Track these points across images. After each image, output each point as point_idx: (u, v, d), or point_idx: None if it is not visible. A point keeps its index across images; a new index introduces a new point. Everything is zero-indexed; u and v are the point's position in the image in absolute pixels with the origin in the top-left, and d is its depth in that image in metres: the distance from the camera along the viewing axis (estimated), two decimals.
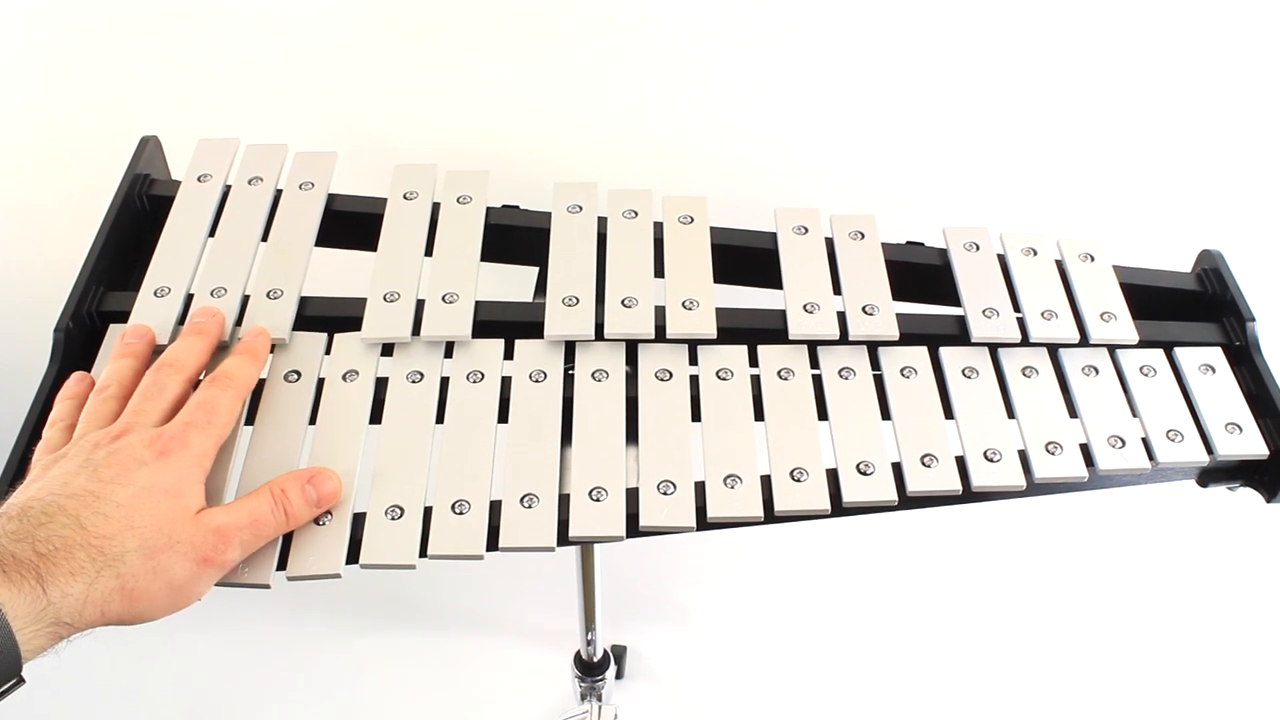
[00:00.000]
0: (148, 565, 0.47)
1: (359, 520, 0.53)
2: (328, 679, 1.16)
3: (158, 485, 0.48)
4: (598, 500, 0.54)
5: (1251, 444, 0.59)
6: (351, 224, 0.68)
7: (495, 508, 0.54)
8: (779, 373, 0.60)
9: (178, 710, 1.13)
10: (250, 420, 0.58)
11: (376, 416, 0.58)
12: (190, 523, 0.49)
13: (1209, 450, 0.59)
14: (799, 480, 0.55)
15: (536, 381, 0.59)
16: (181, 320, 0.60)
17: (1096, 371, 0.62)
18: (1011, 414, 0.60)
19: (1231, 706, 1.14)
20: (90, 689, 1.12)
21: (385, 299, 0.62)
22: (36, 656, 0.44)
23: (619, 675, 1.12)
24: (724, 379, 0.60)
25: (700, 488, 0.55)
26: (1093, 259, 0.67)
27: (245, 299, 0.62)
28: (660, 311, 0.62)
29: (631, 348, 0.61)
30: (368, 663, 1.17)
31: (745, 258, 0.68)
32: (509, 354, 0.61)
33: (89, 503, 0.46)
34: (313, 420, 0.58)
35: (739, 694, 1.15)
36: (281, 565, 0.52)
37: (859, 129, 0.92)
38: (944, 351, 0.62)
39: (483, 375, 0.60)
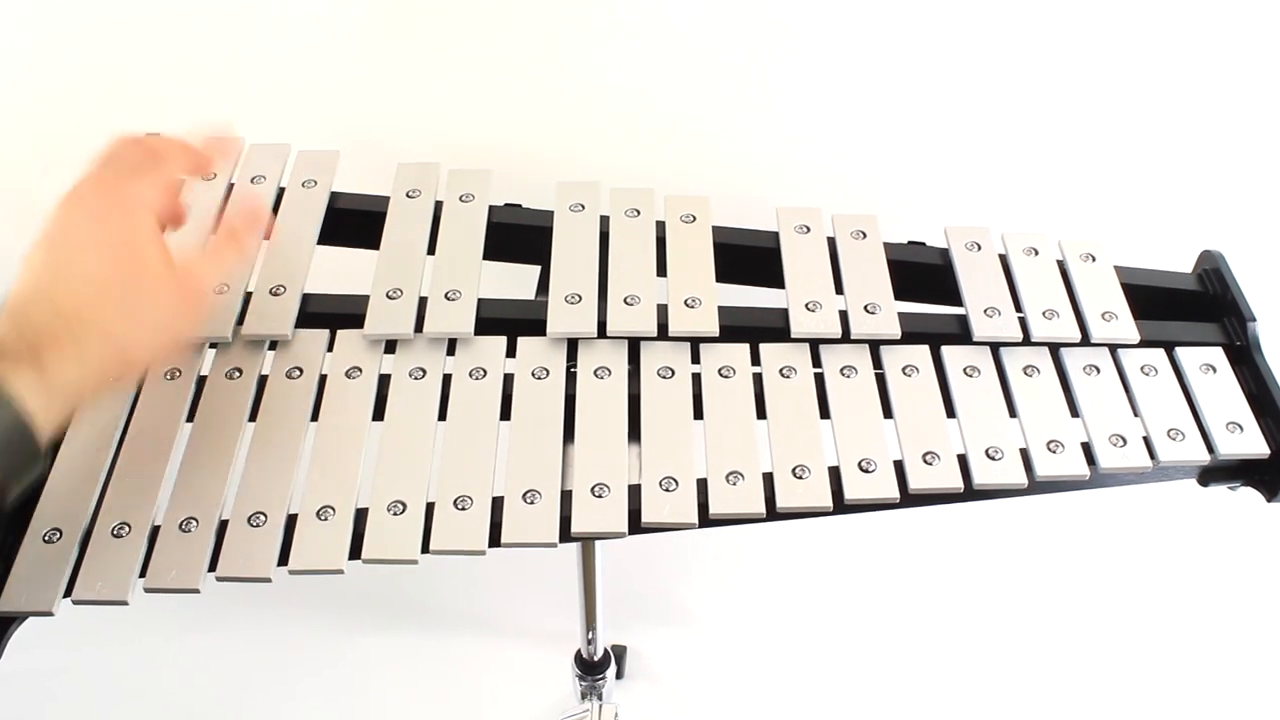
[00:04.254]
0: (126, 320, 0.49)
1: (361, 515, 0.54)
2: (328, 679, 1.16)
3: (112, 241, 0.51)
4: (600, 496, 0.54)
5: (1252, 443, 0.59)
6: (354, 222, 0.68)
7: (498, 504, 0.54)
8: (781, 371, 0.61)
9: (178, 710, 1.13)
10: (253, 417, 0.58)
11: (379, 413, 0.58)
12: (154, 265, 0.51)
13: (1210, 449, 0.59)
14: (801, 477, 0.56)
15: (539, 379, 0.60)
16: None
17: (1098, 371, 0.62)
18: (1013, 412, 0.60)
19: (1231, 706, 1.14)
20: (90, 688, 1.12)
21: (388, 296, 0.62)
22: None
23: (619, 675, 1.12)
24: (726, 377, 0.60)
25: (702, 484, 0.55)
26: (1094, 259, 0.67)
27: (248, 296, 0.62)
28: (662, 310, 0.62)
29: (634, 345, 0.61)
30: (368, 663, 1.17)
31: (747, 256, 0.68)
32: (511, 351, 0.61)
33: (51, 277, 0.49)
34: (315, 417, 0.58)
35: (739, 694, 1.14)
36: (283, 560, 0.52)
37: (861, 128, 0.92)
38: (946, 350, 0.62)
39: (485, 372, 0.60)
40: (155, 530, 0.53)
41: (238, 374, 0.59)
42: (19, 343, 0.46)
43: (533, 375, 0.60)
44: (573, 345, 0.61)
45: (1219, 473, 0.62)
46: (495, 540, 0.53)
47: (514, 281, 0.70)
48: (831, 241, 0.67)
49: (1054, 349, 0.63)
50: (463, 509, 0.54)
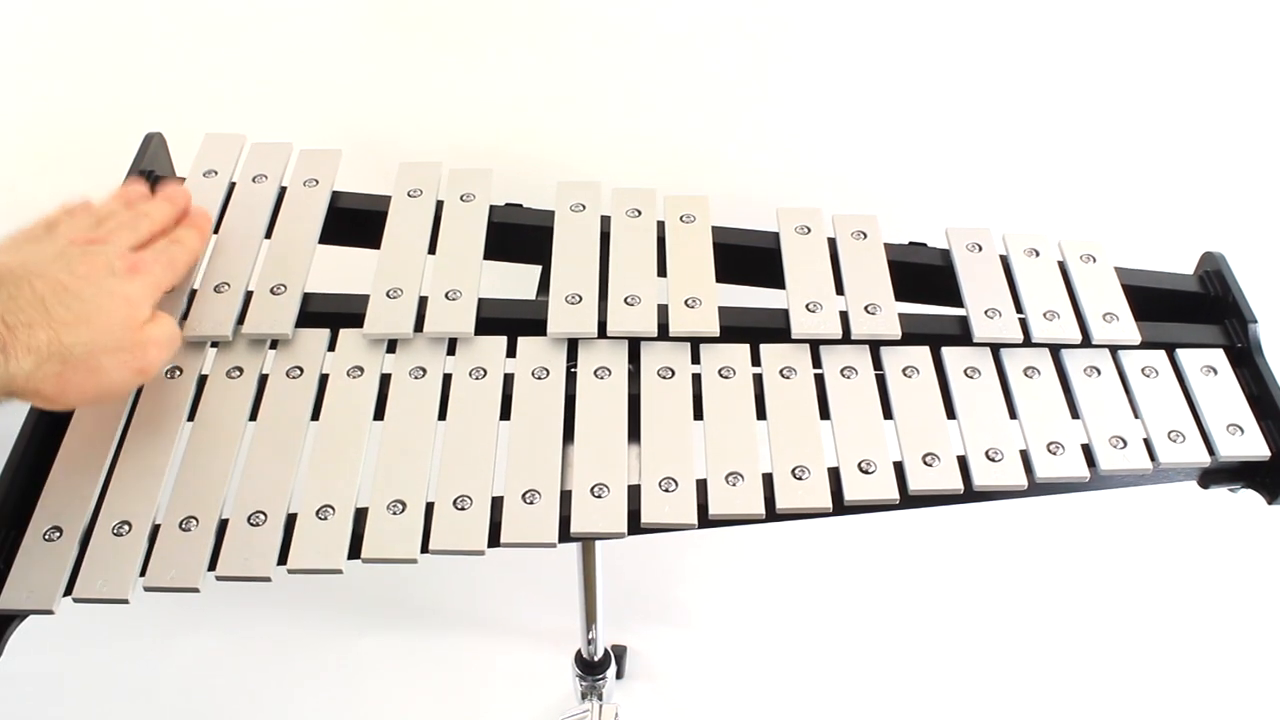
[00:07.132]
0: (89, 363, 0.50)
1: (361, 515, 0.54)
2: (328, 679, 1.16)
3: (120, 293, 0.52)
4: (599, 497, 0.54)
5: (1253, 445, 0.59)
6: (355, 221, 0.68)
7: (497, 503, 0.54)
8: (781, 371, 0.61)
9: (178, 710, 1.13)
10: (254, 416, 0.58)
11: (379, 413, 0.58)
12: (136, 331, 0.52)
13: (1210, 451, 0.59)
14: (801, 478, 0.56)
15: (539, 379, 0.60)
16: (185, 315, 0.61)
17: (1098, 372, 0.62)
18: (1013, 414, 0.60)
19: (1232, 706, 1.13)
20: (89, 688, 1.12)
21: (388, 296, 0.62)
22: None
23: (619, 675, 1.12)
24: (726, 377, 0.60)
25: (702, 485, 0.55)
26: (1095, 260, 0.67)
27: (249, 294, 0.62)
28: (663, 310, 0.62)
29: (634, 346, 0.62)
30: (368, 663, 1.17)
31: (748, 257, 0.68)
32: (511, 351, 0.61)
33: (56, 290, 0.49)
34: (315, 417, 0.58)
35: (739, 694, 1.14)
36: (283, 559, 0.52)
37: (861, 129, 0.92)
38: (946, 351, 0.62)
39: (485, 372, 0.60)
40: (155, 529, 0.53)
41: (238, 373, 0.59)
42: None
43: (533, 375, 0.60)
44: (573, 345, 0.61)
45: (1219, 475, 0.62)
46: (495, 540, 0.53)
47: (514, 281, 0.70)
48: (832, 242, 0.67)
49: (1055, 350, 0.63)
50: (462, 509, 0.54)
